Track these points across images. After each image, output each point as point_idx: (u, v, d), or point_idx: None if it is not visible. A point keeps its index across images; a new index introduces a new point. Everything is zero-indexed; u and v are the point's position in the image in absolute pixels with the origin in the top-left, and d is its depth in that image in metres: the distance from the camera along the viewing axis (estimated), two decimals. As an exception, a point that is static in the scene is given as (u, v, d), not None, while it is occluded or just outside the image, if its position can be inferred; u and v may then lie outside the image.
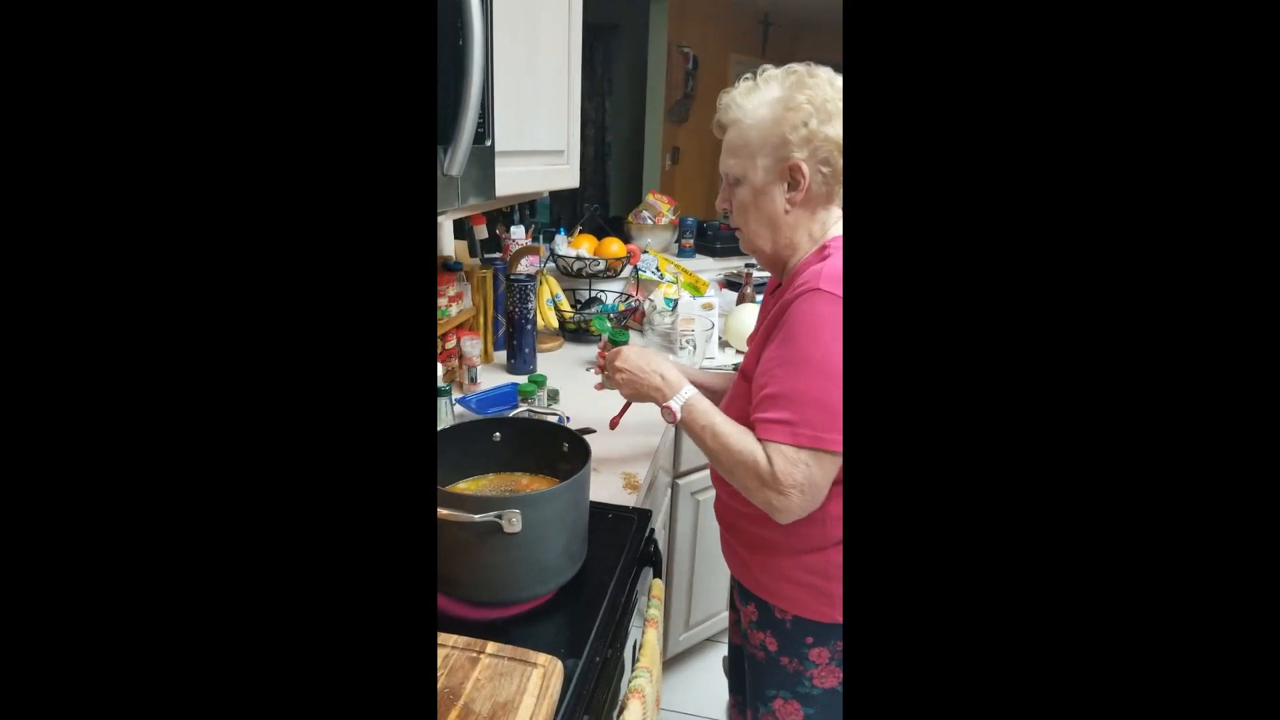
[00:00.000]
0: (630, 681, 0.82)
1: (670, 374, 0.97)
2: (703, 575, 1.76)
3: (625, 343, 1.14)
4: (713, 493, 1.09)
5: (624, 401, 1.07)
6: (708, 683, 1.79)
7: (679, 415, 0.93)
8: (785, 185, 0.89)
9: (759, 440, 0.85)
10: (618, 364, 1.00)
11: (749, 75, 0.92)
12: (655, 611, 0.97)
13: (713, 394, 1.18)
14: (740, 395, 0.95)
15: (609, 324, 1.31)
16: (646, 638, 0.91)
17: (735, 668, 1.19)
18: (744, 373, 0.96)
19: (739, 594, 1.05)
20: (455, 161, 0.79)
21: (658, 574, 1.05)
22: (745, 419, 0.90)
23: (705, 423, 0.91)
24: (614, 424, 1.13)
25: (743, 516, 0.96)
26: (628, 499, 1.13)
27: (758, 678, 1.00)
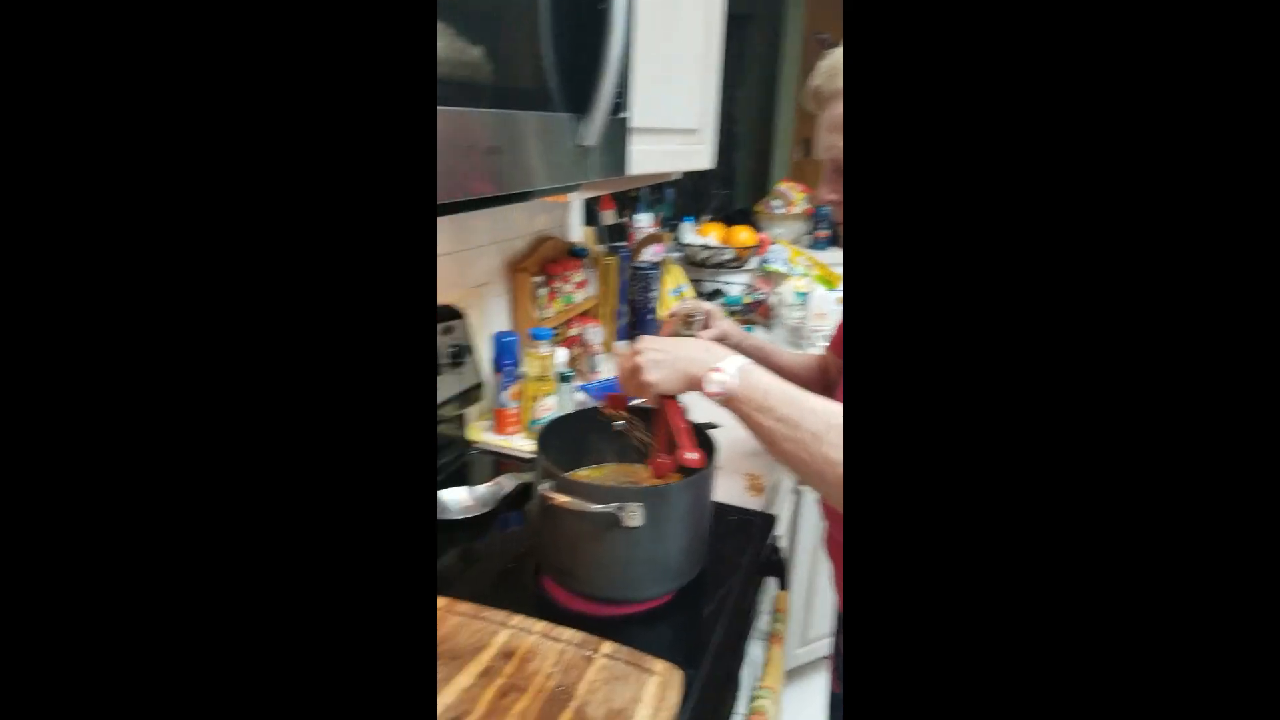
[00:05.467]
0: (753, 701, 0.75)
1: (713, 345, 0.71)
2: (822, 588, 1.65)
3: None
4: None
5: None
6: (823, 705, 1.68)
7: (736, 382, 0.65)
8: None
9: None
10: (637, 347, 0.71)
11: None
12: (780, 626, 0.89)
13: (794, 378, 1.02)
14: None
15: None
16: (771, 654, 0.84)
17: None
18: None
19: None
20: (591, 130, 0.75)
21: (783, 585, 0.97)
22: None
23: (771, 384, 0.64)
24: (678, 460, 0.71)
25: None
26: (751, 502, 1.05)
27: None
